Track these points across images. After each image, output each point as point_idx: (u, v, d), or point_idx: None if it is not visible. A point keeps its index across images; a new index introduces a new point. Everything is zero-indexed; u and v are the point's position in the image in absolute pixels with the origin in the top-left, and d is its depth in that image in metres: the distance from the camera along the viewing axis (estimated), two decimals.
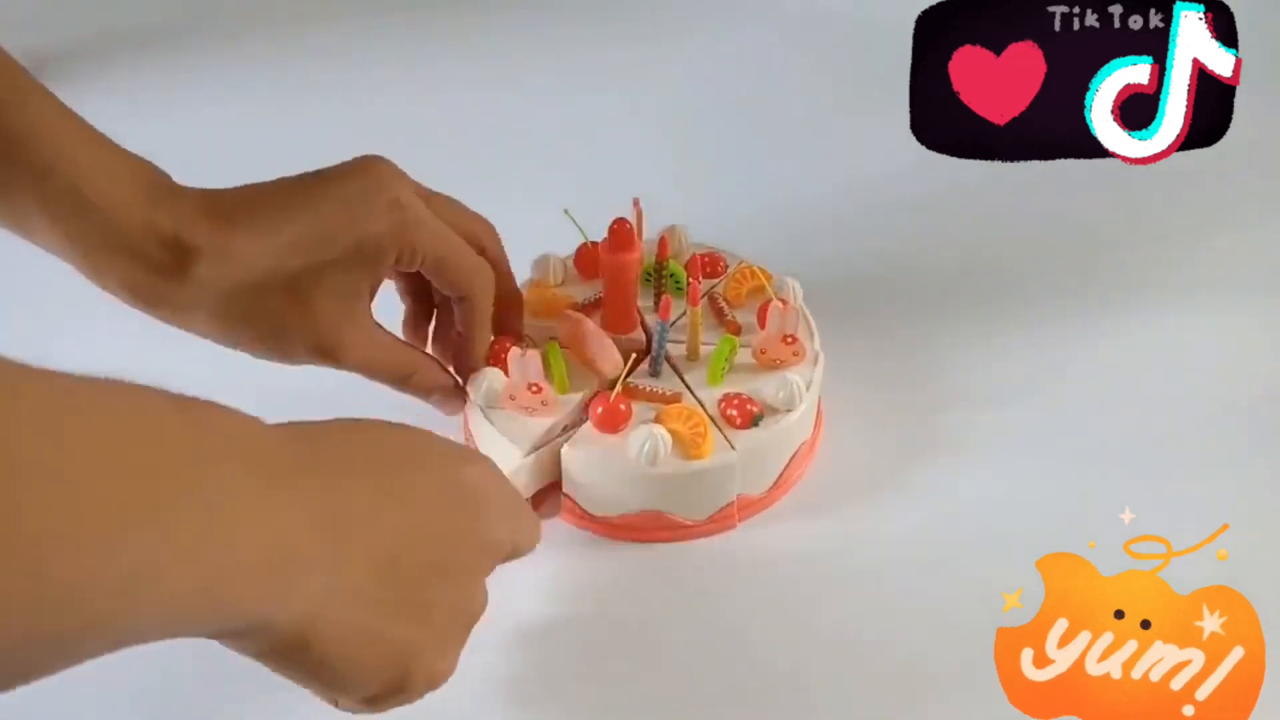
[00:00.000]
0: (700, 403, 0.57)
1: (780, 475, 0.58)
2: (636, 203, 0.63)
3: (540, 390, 0.55)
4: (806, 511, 0.58)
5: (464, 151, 0.85)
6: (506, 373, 0.56)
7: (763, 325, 0.59)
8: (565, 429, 0.57)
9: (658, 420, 0.55)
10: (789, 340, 0.58)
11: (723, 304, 0.63)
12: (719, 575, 0.55)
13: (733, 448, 0.55)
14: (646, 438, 0.53)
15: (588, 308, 0.62)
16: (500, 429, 0.55)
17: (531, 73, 0.95)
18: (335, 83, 0.93)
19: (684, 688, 0.49)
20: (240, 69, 0.95)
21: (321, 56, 0.97)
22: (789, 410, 0.55)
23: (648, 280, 0.63)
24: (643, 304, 0.63)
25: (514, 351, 0.54)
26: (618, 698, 0.49)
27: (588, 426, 0.55)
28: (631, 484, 0.54)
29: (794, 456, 0.58)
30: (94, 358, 0.28)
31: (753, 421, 0.55)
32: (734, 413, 0.55)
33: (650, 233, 0.63)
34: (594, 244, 0.63)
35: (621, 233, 0.59)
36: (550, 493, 0.56)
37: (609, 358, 0.58)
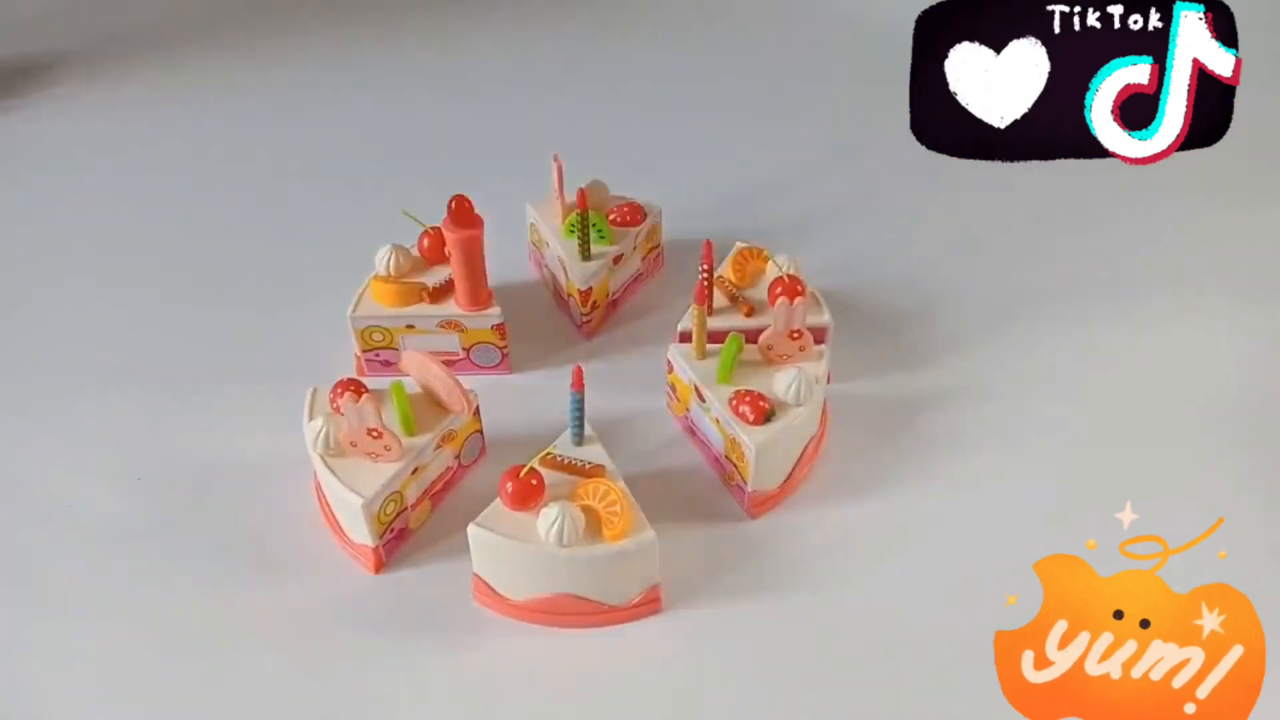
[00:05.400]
0: (715, 398, 0.57)
1: (791, 471, 0.58)
2: (556, 157, 0.64)
3: (381, 435, 0.52)
4: (813, 508, 0.58)
5: (453, 150, 0.85)
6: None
7: (773, 302, 0.59)
8: (416, 471, 0.55)
9: (573, 497, 0.51)
10: (795, 335, 0.58)
11: (730, 286, 0.63)
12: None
13: (752, 437, 0.53)
14: (557, 516, 0.49)
15: (438, 291, 0.62)
16: (343, 478, 0.53)
17: (532, 71, 0.95)
18: (333, 82, 0.93)
19: None
20: (241, 69, 0.95)
21: (321, 57, 0.97)
22: (799, 405, 0.56)
23: (570, 231, 0.65)
24: (565, 253, 0.65)
25: (347, 399, 0.51)
26: None
27: (498, 503, 0.52)
28: (541, 566, 0.50)
29: (803, 453, 0.59)
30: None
31: (766, 418, 0.55)
32: (747, 410, 0.55)
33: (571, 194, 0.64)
34: (436, 229, 0.63)
35: (461, 209, 0.59)
36: None
37: (456, 395, 0.56)
